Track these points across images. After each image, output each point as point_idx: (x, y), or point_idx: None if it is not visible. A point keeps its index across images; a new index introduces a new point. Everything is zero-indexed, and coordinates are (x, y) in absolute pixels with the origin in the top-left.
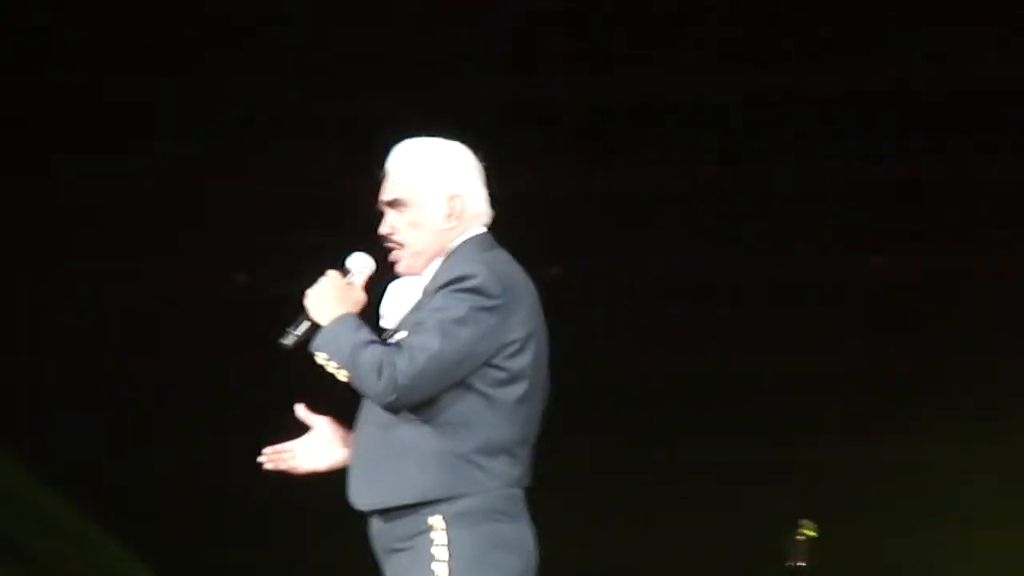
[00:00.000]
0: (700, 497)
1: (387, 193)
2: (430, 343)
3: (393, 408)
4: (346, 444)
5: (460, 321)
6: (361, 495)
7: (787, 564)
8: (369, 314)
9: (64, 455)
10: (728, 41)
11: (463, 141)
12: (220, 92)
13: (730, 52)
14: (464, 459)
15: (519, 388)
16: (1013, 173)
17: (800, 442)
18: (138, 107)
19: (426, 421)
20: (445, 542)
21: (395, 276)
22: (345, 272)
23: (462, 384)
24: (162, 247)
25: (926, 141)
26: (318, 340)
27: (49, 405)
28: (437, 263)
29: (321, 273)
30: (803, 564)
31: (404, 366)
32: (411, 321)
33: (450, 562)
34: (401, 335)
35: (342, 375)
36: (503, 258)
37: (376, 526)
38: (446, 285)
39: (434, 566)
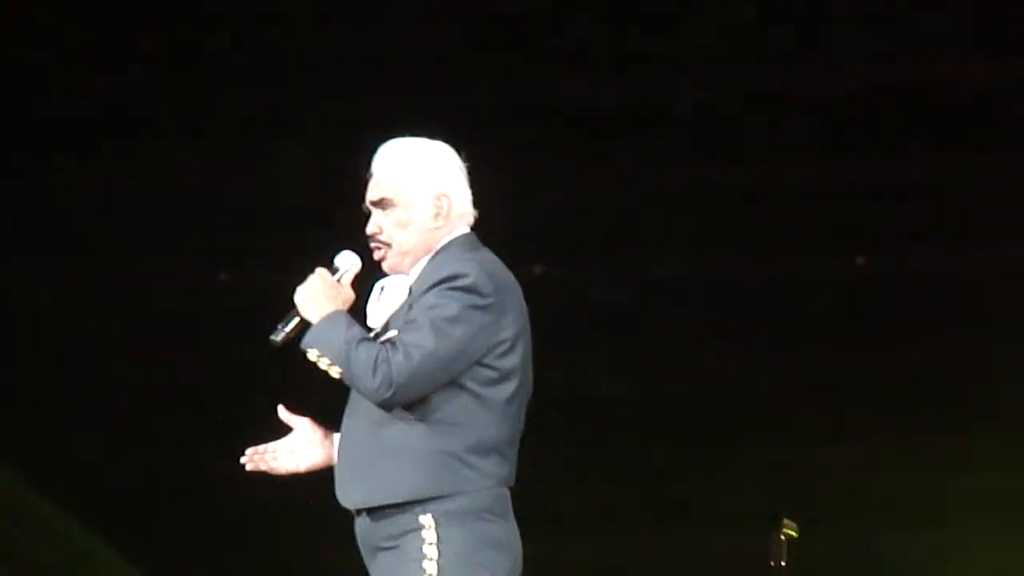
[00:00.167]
0: (681, 500)
1: (373, 193)
2: (424, 340)
3: (387, 405)
4: (326, 446)
5: (453, 319)
6: (350, 493)
7: (770, 564)
8: (356, 312)
9: (61, 454)
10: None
11: (447, 140)
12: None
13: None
14: (455, 458)
15: (508, 387)
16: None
17: (797, 443)
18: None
19: (418, 420)
20: (435, 540)
21: (381, 275)
22: (333, 270)
23: (454, 383)
24: (158, 246)
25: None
26: (310, 337)
27: (44, 406)
28: (423, 263)
29: (309, 271)
30: (784, 564)
31: (399, 363)
32: (402, 319)
33: (440, 560)
34: (392, 333)
35: (335, 372)
36: (490, 258)
37: (363, 524)
38: (438, 283)
39: (425, 564)
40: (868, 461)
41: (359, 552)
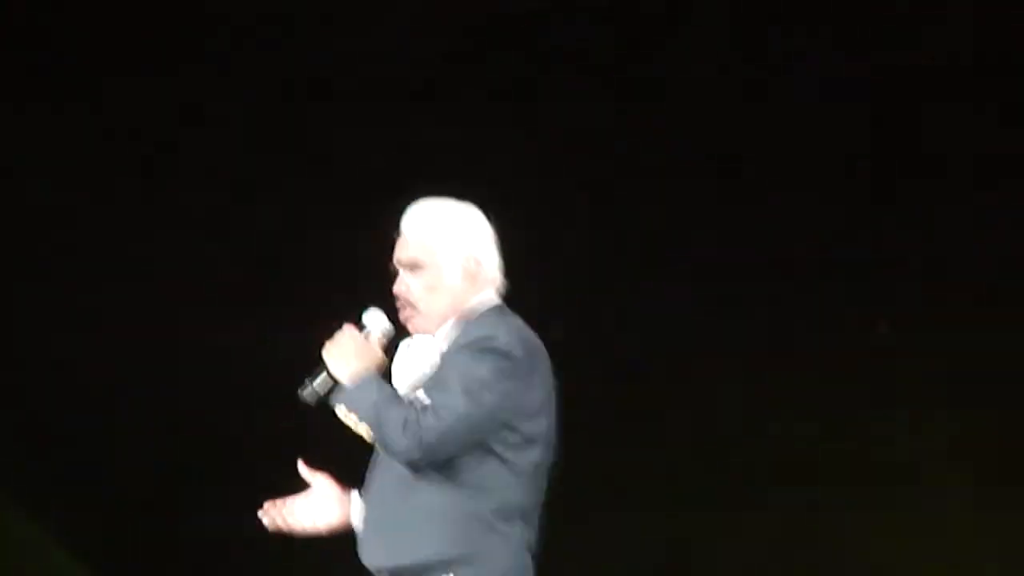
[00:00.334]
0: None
1: (403, 253)
2: (455, 402)
3: (417, 466)
4: (344, 504)
5: (484, 382)
6: (375, 553)
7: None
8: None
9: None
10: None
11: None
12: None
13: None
14: (481, 521)
15: (535, 452)
16: None
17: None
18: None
19: (445, 482)
20: None
21: (406, 335)
22: (361, 328)
23: (481, 446)
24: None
25: None
26: (341, 395)
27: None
28: (450, 325)
29: (336, 327)
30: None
31: (430, 424)
32: (431, 381)
33: None
34: (421, 394)
35: (363, 430)
36: (519, 323)
37: None
38: (470, 346)
39: None
40: None
41: None
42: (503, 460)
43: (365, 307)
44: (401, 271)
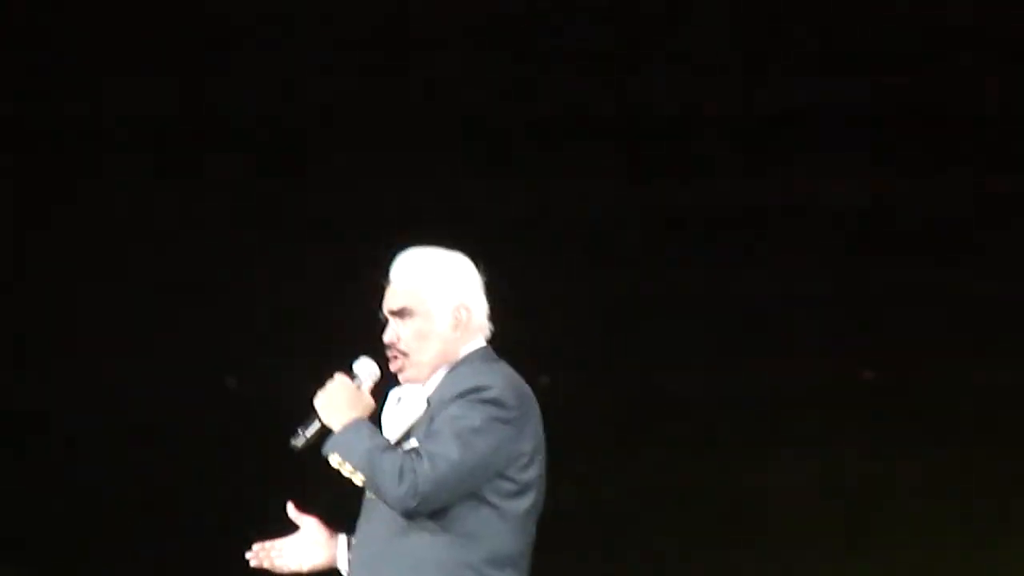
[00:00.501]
0: None
1: (392, 302)
2: (449, 451)
3: (411, 514)
4: (331, 547)
5: (477, 431)
6: None
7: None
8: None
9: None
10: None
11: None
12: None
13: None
14: (474, 570)
15: (526, 500)
16: None
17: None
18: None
19: (437, 530)
20: None
21: (395, 383)
22: (352, 376)
23: (473, 495)
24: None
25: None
26: (334, 443)
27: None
28: (441, 373)
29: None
30: None
31: (425, 472)
32: (423, 429)
33: None
34: (413, 443)
35: (358, 479)
36: (509, 371)
37: None
38: (463, 395)
39: None
40: None
41: None
42: (495, 508)
43: (353, 357)
44: (391, 319)
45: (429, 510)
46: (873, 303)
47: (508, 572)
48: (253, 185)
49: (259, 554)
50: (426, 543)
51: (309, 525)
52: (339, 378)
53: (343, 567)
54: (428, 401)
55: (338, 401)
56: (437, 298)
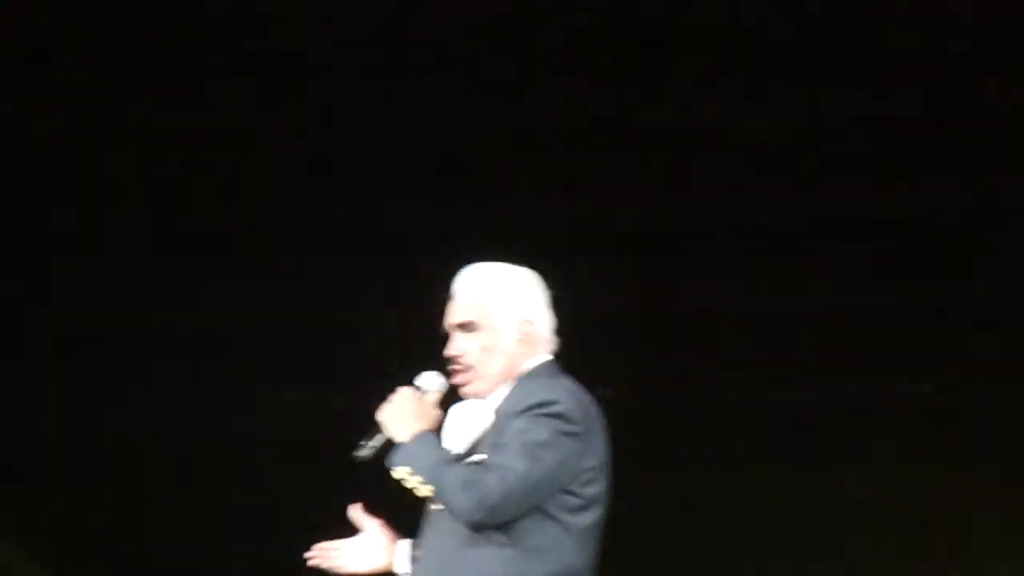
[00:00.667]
0: None
1: (457, 316)
2: (517, 464)
3: (478, 526)
4: (391, 552)
5: (544, 445)
6: None
7: None
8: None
9: None
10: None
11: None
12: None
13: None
14: None
15: (591, 515)
16: None
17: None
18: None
19: (504, 543)
20: None
21: (457, 398)
22: (417, 391)
23: (539, 509)
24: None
25: None
26: (400, 455)
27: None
28: (504, 388)
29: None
30: None
31: (493, 485)
32: (489, 443)
33: None
34: (480, 456)
35: (425, 490)
36: (574, 385)
37: None
38: (529, 409)
39: None
40: None
41: None
42: (560, 522)
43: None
44: (454, 333)
45: (495, 523)
46: (919, 318)
47: None
48: None
49: (320, 553)
50: (492, 555)
51: (372, 528)
52: (404, 391)
53: (401, 572)
54: (495, 414)
55: (404, 413)
56: (502, 312)
